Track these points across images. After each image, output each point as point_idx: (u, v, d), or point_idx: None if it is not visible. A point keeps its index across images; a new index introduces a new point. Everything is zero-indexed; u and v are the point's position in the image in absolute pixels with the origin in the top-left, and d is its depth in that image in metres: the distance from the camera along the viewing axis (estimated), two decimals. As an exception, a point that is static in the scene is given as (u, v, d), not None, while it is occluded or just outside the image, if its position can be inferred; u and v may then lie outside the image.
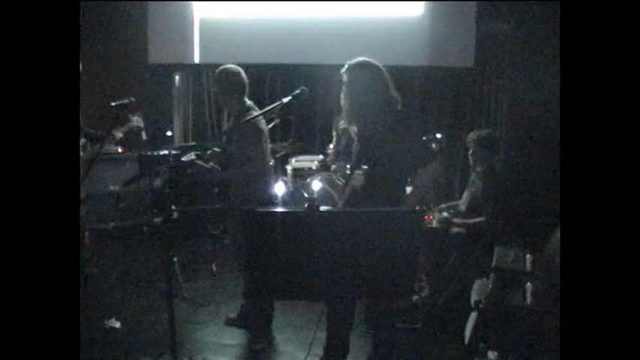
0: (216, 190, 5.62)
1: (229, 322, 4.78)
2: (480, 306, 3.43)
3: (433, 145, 6.17)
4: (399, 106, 3.67)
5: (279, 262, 2.45)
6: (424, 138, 6.16)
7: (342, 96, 3.73)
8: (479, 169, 5.12)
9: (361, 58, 3.67)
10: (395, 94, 3.67)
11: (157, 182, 6.23)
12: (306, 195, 3.00)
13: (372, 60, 3.67)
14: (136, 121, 5.03)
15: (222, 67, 4.49)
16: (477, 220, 4.95)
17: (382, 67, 3.67)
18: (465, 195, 5.31)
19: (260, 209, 2.73)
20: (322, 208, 2.64)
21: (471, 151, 5.15)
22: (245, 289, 4.68)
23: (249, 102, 4.46)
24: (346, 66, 3.67)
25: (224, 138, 5.14)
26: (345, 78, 3.66)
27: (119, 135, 5.01)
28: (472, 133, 5.28)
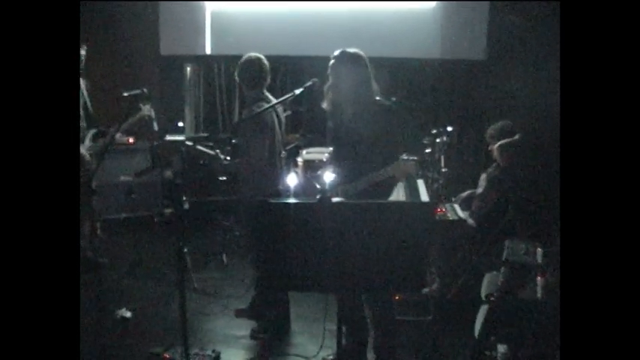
0: (224, 178, 5.61)
1: (240, 314, 4.77)
2: (492, 299, 3.42)
3: (444, 138, 6.15)
4: (377, 97, 3.76)
5: (290, 253, 2.45)
6: (434, 131, 6.15)
7: (328, 81, 3.84)
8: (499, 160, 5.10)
9: (347, 49, 3.77)
10: (374, 85, 3.76)
11: (169, 173, 6.24)
12: (318, 186, 3.00)
13: (355, 50, 3.77)
14: (147, 109, 5.03)
15: (245, 56, 4.51)
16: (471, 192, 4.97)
17: (365, 58, 3.76)
18: (480, 184, 5.30)
19: (272, 200, 2.72)
20: (334, 199, 2.65)
21: (490, 147, 5.14)
22: (256, 280, 4.68)
23: (265, 94, 4.43)
24: (333, 55, 3.79)
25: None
26: (330, 64, 3.78)
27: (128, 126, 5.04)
28: (491, 127, 5.28)
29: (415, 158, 3.55)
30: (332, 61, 3.76)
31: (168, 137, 6.71)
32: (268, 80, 4.47)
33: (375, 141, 3.63)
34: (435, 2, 7.41)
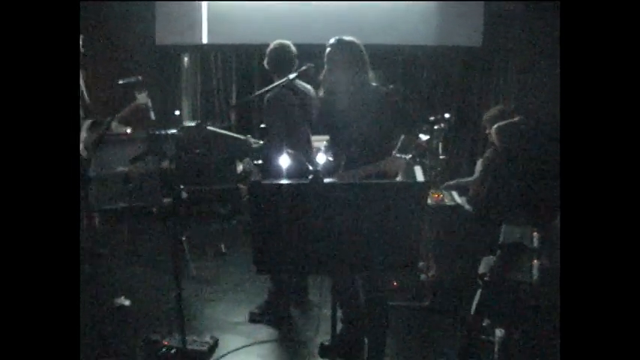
0: (259, 162, 5.58)
1: (254, 317, 4.67)
2: (485, 279, 3.43)
3: (442, 125, 6.15)
4: (373, 83, 3.76)
5: (283, 235, 2.44)
6: (431, 118, 6.14)
7: (323, 69, 3.84)
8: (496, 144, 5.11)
9: (343, 37, 3.77)
10: (370, 72, 3.76)
11: (166, 163, 6.24)
12: (310, 167, 3.01)
13: (351, 37, 3.76)
14: (143, 98, 5.02)
15: (272, 44, 4.57)
16: (468, 179, 4.98)
17: (360, 45, 3.76)
18: (477, 169, 5.32)
19: (264, 181, 2.73)
20: (326, 180, 2.64)
21: (487, 131, 5.15)
22: (272, 282, 4.67)
23: (280, 80, 4.40)
24: (328, 43, 3.78)
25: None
26: (326, 52, 3.77)
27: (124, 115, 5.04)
28: (488, 113, 5.29)
29: (408, 157, 3.57)
30: (328, 49, 3.76)
31: (187, 124, 6.70)
32: (296, 66, 4.46)
33: (371, 126, 3.64)
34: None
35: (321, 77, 3.85)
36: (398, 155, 3.55)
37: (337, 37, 3.75)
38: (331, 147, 3.95)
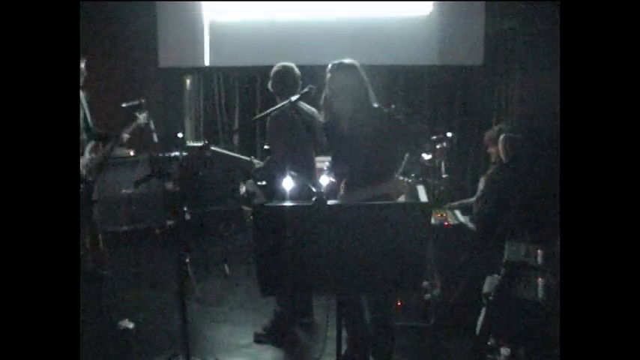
0: (263, 183, 5.57)
1: (259, 338, 4.64)
2: (490, 298, 3.42)
3: (444, 144, 6.16)
4: (375, 105, 3.77)
5: (287, 257, 2.45)
6: (433, 137, 6.16)
7: (323, 93, 3.85)
8: (496, 163, 5.13)
9: (343, 60, 3.78)
10: (372, 93, 3.77)
11: (169, 185, 6.26)
12: (314, 190, 3.01)
13: (351, 61, 3.78)
14: (143, 118, 5.05)
15: (276, 66, 4.59)
16: (471, 200, 4.99)
17: (360, 67, 3.78)
18: (480, 187, 5.32)
19: (268, 204, 2.73)
20: (330, 201, 2.65)
21: (489, 149, 5.17)
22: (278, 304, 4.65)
23: (283, 102, 4.41)
24: (329, 66, 3.79)
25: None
26: (327, 77, 3.79)
27: (126, 137, 5.04)
28: (488, 133, 5.32)
29: (409, 180, 3.57)
30: (328, 74, 3.77)
31: (190, 144, 6.73)
32: (299, 88, 4.48)
33: (374, 148, 3.65)
34: (431, 9, 7.43)
35: (321, 101, 3.87)
36: (401, 178, 3.56)
37: (337, 62, 3.77)
38: (333, 169, 3.96)
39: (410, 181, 3.56)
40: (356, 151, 3.70)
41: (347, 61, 3.77)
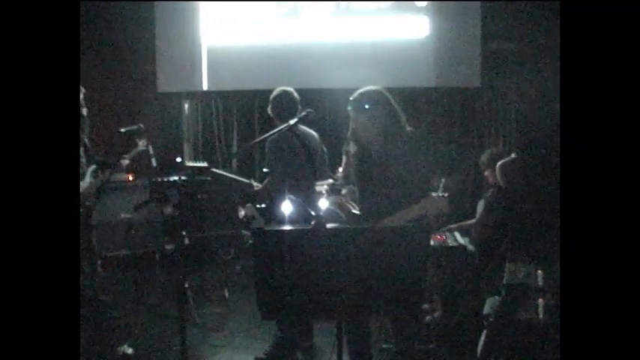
0: (263, 205, 5.55)
1: None
2: (490, 319, 3.41)
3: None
4: (408, 128, 3.65)
5: (287, 281, 2.44)
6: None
7: (350, 125, 3.72)
8: (493, 187, 5.14)
9: (367, 88, 3.63)
10: (402, 117, 3.64)
11: (168, 209, 6.25)
12: (312, 213, 2.99)
13: (375, 88, 3.64)
14: (143, 144, 5.06)
15: (275, 91, 4.62)
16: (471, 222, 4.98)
17: (384, 92, 3.64)
18: (479, 210, 5.33)
19: (267, 228, 2.73)
20: (329, 225, 2.65)
21: (485, 173, 5.19)
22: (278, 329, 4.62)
23: (281, 125, 4.41)
24: (351, 99, 3.63)
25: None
26: (350, 108, 3.63)
27: (126, 162, 5.06)
28: (482, 156, 5.34)
29: (446, 194, 3.45)
30: (353, 104, 3.60)
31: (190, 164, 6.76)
32: (299, 112, 4.48)
33: (410, 171, 3.51)
34: (428, 31, 7.48)
35: (349, 133, 3.73)
36: (434, 194, 3.42)
37: (361, 91, 3.61)
38: (363, 198, 3.81)
39: (447, 195, 3.42)
40: (387, 177, 3.55)
41: (371, 88, 3.62)
